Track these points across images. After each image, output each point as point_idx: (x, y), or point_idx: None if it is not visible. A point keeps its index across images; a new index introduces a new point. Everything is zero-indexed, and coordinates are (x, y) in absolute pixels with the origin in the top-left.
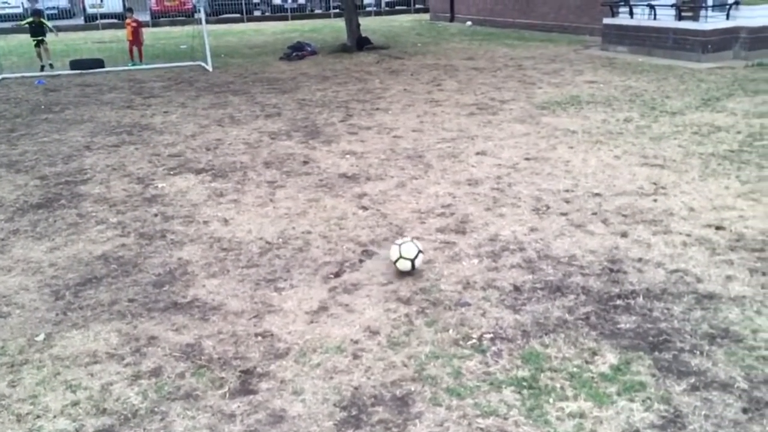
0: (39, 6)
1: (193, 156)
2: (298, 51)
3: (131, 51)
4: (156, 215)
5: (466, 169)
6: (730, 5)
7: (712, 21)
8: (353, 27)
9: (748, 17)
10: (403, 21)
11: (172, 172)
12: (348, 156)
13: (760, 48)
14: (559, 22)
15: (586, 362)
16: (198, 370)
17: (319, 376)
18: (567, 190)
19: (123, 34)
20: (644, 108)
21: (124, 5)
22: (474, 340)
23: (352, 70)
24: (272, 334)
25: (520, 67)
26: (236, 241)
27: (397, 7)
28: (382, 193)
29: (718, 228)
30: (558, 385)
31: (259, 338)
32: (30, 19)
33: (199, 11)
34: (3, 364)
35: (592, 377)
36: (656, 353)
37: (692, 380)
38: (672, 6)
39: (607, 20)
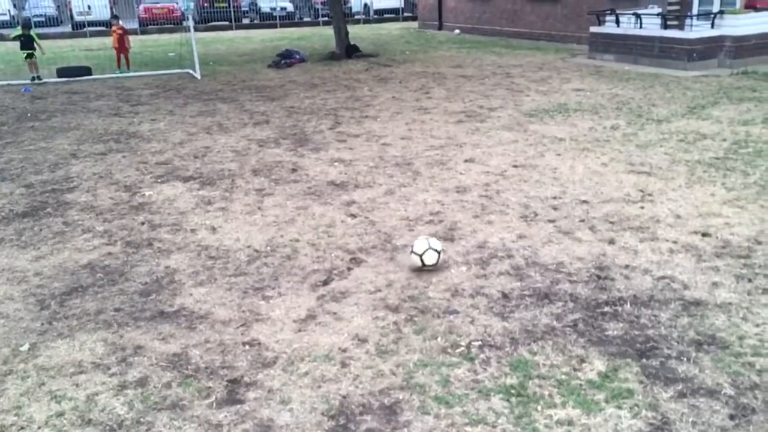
0: (27, 14)
1: (180, 164)
2: (286, 59)
3: (118, 58)
4: (143, 223)
5: (455, 177)
6: (715, 14)
7: (697, 30)
8: (342, 35)
9: (733, 26)
10: (392, 29)
11: (159, 180)
12: (336, 163)
13: (744, 56)
14: (547, 30)
15: (574, 369)
16: (185, 380)
17: (307, 384)
18: (555, 198)
19: (111, 41)
20: (631, 116)
21: (112, 13)
22: (462, 348)
23: (341, 77)
24: (260, 343)
25: (508, 75)
26: (224, 249)
27: (385, 15)
28: (370, 201)
29: (704, 235)
30: (546, 393)
31: (247, 347)
32: (19, 32)
33: (188, 19)
34: None
35: (580, 384)
36: (644, 360)
37: (679, 387)
38: (657, 15)
39: (593, 29)
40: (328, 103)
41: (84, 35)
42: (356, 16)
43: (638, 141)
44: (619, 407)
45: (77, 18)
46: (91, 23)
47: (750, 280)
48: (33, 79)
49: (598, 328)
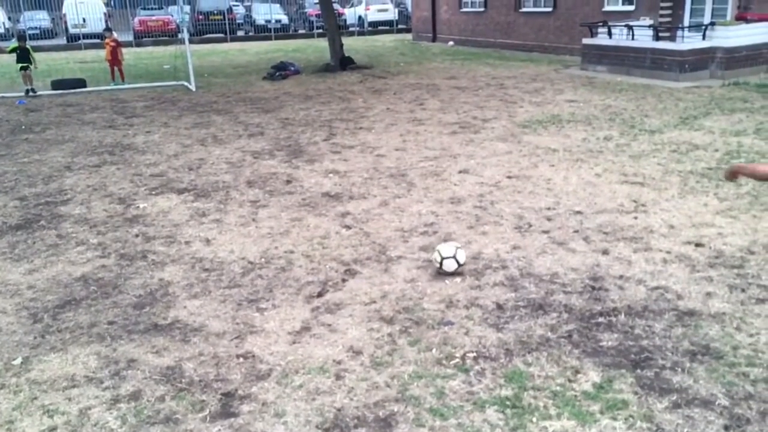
0: (22, 26)
1: (175, 176)
2: (281, 70)
3: (112, 71)
4: (137, 236)
5: (449, 188)
6: (706, 26)
7: (689, 41)
8: (336, 47)
9: (724, 38)
10: (386, 41)
11: (153, 192)
12: (331, 175)
13: (735, 68)
14: (540, 42)
15: (569, 380)
16: (178, 394)
17: (302, 397)
18: (549, 208)
19: (105, 53)
20: (624, 126)
21: (106, 25)
22: (457, 360)
23: (336, 89)
24: (254, 356)
25: (501, 86)
26: (218, 261)
27: (380, 28)
28: (365, 212)
29: (697, 245)
30: (541, 404)
31: (241, 360)
32: (15, 45)
33: (183, 31)
34: None
35: (575, 396)
36: (638, 371)
37: (674, 397)
38: (649, 27)
39: (586, 41)
40: (322, 115)
41: (79, 47)
42: (351, 29)
43: (631, 152)
44: (614, 418)
45: (72, 30)
46: (86, 35)
47: (743, 290)
48: (27, 92)
49: (593, 338)
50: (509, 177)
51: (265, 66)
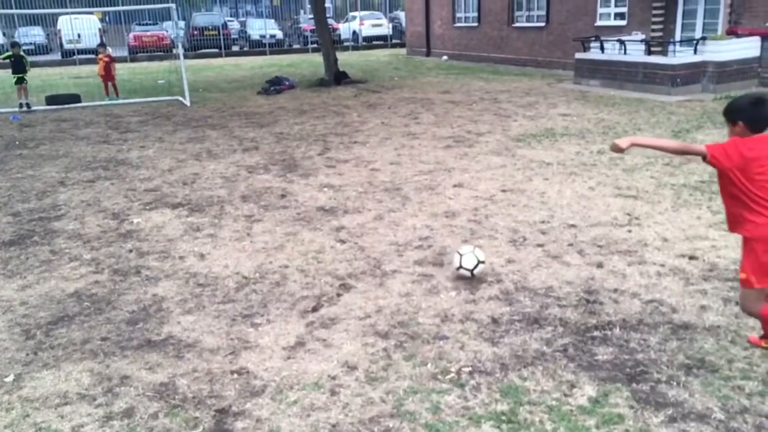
0: (16, 38)
1: (169, 190)
2: (276, 85)
3: (106, 86)
4: (131, 251)
5: (444, 202)
6: (697, 41)
7: (681, 56)
8: (331, 61)
9: (715, 52)
10: (381, 56)
11: (148, 207)
12: (326, 189)
13: (726, 81)
14: (533, 56)
15: (565, 395)
16: (171, 410)
17: (296, 413)
18: (543, 222)
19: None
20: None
21: (101, 41)
22: (452, 374)
23: (330, 104)
24: (248, 371)
25: (495, 100)
26: (212, 276)
27: (374, 42)
28: (359, 226)
29: (691, 258)
30: (537, 419)
31: (235, 375)
32: (9, 53)
33: (177, 46)
34: None
35: (571, 410)
36: (634, 384)
37: (670, 411)
38: (641, 41)
39: (579, 55)
40: (317, 129)
41: (74, 63)
42: (345, 43)
43: (624, 165)
44: None
45: (67, 46)
46: (81, 51)
47: (737, 303)
48: (21, 105)
49: (588, 352)
50: (503, 190)
51: (260, 81)
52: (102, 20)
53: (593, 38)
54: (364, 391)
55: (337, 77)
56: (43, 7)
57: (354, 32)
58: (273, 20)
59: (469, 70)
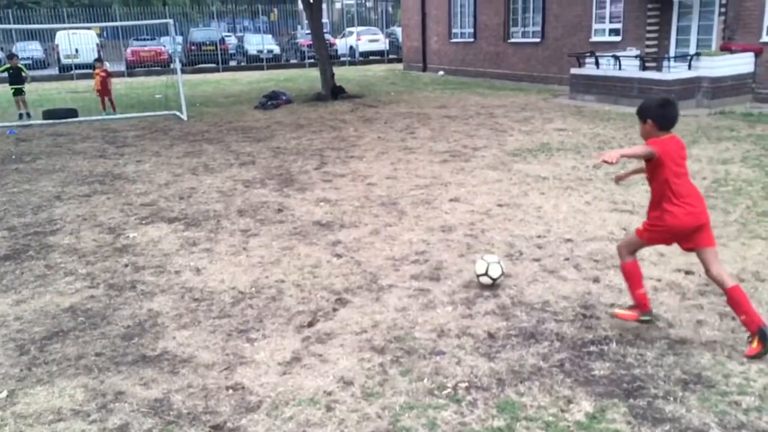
0: (14, 51)
1: (166, 205)
2: (273, 100)
3: (102, 101)
4: (126, 265)
5: (440, 216)
6: (691, 57)
7: (675, 71)
8: (328, 76)
9: (709, 68)
10: (377, 70)
11: (144, 222)
12: (322, 203)
13: (721, 97)
14: (529, 72)
15: (562, 410)
16: (166, 427)
17: (292, 429)
18: (539, 236)
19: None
20: None
21: (99, 55)
22: (449, 390)
23: (327, 118)
24: (243, 387)
25: (491, 115)
26: (208, 291)
27: (371, 57)
28: (356, 241)
29: (687, 273)
30: None
31: (230, 391)
32: (7, 65)
33: (175, 61)
34: None
35: (568, 426)
36: (631, 400)
37: (667, 427)
38: (636, 57)
39: (574, 71)
40: (314, 144)
41: (71, 77)
42: (342, 58)
43: None
44: None
45: (64, 61)
46: (78, 66)
47: (733, 318)
48: (21, 116)
49: (585, 367)
50: (500, 205)
51: (257, 95)
52: (100, 35)
53: (588, 54)
54: (360, 407)
55: (334, 92)
56: (41, 23)
57: (351, 47)
58: (270, 35)
59: (466, 85)
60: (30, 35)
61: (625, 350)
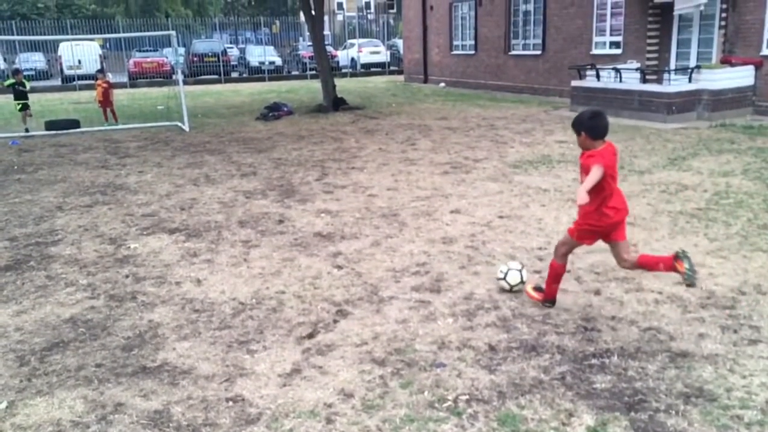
0: (18, 67)
1: (167, 215)
2: (274, 111)
3: (105, 112)
4: (127, 276)
5: (441, 228)
6: (692, 69)
7: (676, 84)
8: (329, 88)
9: (709, 80)
10: (378, 82)
11: (145, 232)
12: (323, 215)
13: (722, 109)
14: (529, 84)
15: (563, 424)
16: None
17: None
18: (540, 248)
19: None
20: None
21: (102, 66)
22: (450, 402)
23: (328, 129)
24: (243, 399)
25: (492, 127)
26: (209, 302)
27: (372, 69)
28: (357, 252)
29: (688, 285)
30: None
31: (230, 403)
32: (12, 81)
33: (177, 72)
34: None
35: None
36: (632, 413)
37: None
38: (636, 70)
39: (575, 83)
40: (315, 155)
41: (74, 88)
42: (343, 70)
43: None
44: None
45: (67, 72)
46: (81, 77)
47: (735, 331)
48: (27, 130)
49: (586, 380)
50: (501, 217)
51: (259, 107)
52: (103, 46)
53: (589, 66)
54: (360, 420)
55: (335, 103)
56: (45, 34)
57: (352, 59)
58: (272, 47)
59: (466, 97)
60: (33, 46)
61: (626, 363)
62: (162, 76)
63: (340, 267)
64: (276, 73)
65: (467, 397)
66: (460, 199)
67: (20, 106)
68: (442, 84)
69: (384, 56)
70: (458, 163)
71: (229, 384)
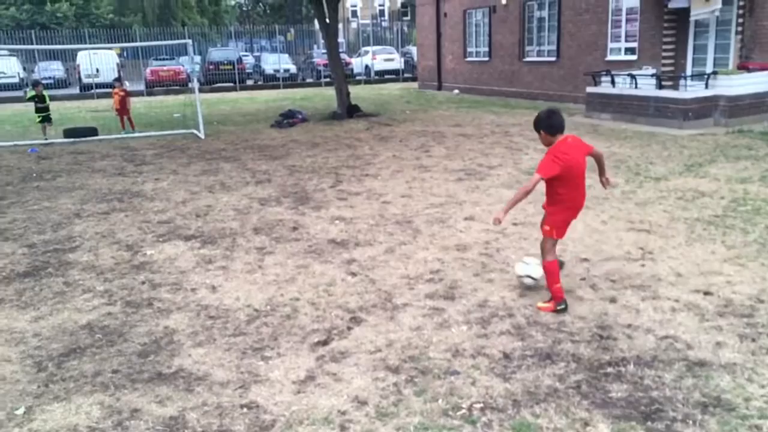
0: (36, 76)
1: (182, 222)
2: (289, 118)
3: (122, 120)
4: (143, 283)
5: (455, 235)
6: (709, 75)
7: (692, 90)
8: (343, 95)
9: (726, 86)
10: (392, 89)
11: (161, 239)
12: (337, 222)
13: (739, 116)
14: (544, 90)
15: None
16: None
17: None
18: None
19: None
20: (629, 173)
21: (119, 75)
22: (464, 411)
23: (342, 136)
24: (258, 405)
25: (506, 133)
26: (224, 308)
27: (386, 76)
28: (371, 259)
29: (706, 293)
30: None
31: (245, 410)
32: (33, 93)
33: (193, 80)
34: None
35: None
36: (649, 423)
37: None
38: (652, 76)
39: (590, 89)
40: (329, 162)
41: (91, 96)
42: (357, 77)
43: (637, 199)
44: None
45: (85, 80)
46: (99, 85)
47: (754, 340)
48: (46, 139)
49: (602, 389)
50: (515, 224)
51: (273, 114)
52: (120, 55)
53: (604, 72)
54: (374, 427)
55: (350, 110)
56: (63, 43)
57: (366, 66)
58: (287, 55)
59: (480, 104)
60: (52, 55)
61: (642, 372)
62: (178, 84)
63: (354, 274)
64: (291, 81)
65: (481, 405)
66: (474, 206)
67: (40, 118)
68: (456, 91)
69: (398, 63)
70: (472, 170)
71: (243, 390)
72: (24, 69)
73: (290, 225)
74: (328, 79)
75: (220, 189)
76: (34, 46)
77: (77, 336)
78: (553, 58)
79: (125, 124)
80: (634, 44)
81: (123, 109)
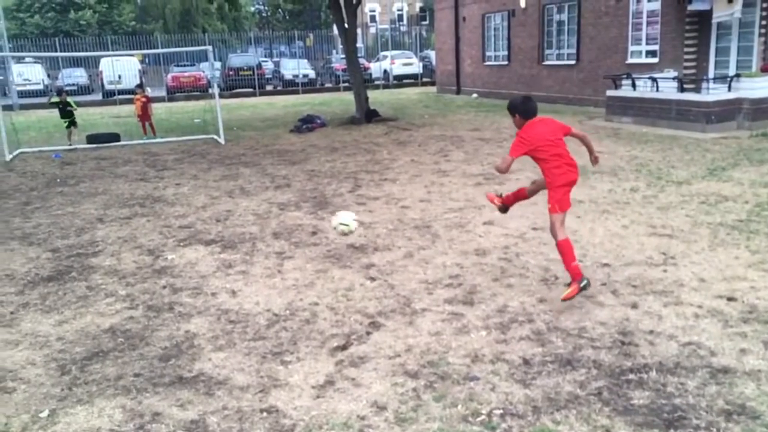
0: (60, 83)
1: (203, 227)
2: (308, 123)
3: (143, 126)
4: (165, 287)
5: (474, 239)
6: (731, 78)
7: (714, 93)
8: (362, 100)
9: (750, 89)
10: (411, 94)
11: (182, 244)
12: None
13: (763, 119)
14: (564, 94)
15: None
16: None
17: None
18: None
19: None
20: (650, 178)
21: (141, 81)
22: (483, 417)
23: (361, 141)
24: (278, 410)
25: None
26: (243, 313)
27: (404, 81)
28: (389, 264)
29: (729, 299)
30: None
31: (265, 414)
32: (57, 100)
33: (213, 86)
34: None
35: None
36: (671, 431)
37: None
38: (674, 79)
39: (610, 92)
40: (348, 167)
41: (114, 103)
42: (376, 82)
43: (659, 203)
44: None
45: (108, 87)
46: (121, 91)
47: None
48: (71, 145)
49: (623, 396)
50: (534, 229)
51: (293, 119)
52: (142, 62)
53: (625, 75)
54: None
55: (368, 115)
56: (86, 50)
57: (385, 71)
58: (306, 60)
59: (499, 108)
60: (75, 62)
61: (665, 379)
62: (199, 90)
63: (373, 279)
64: (310, 86)
65: (501, 411)
66: (494, 210)
67: (67, 123)
68: (475, 95)
69: (416, 68)
70: (491, 174)
71: (263, 395)
72: (48, 76)
73: (309, 230)
74: (346, 84)
75: (240, 194)
76: (58, 54)
77: (100, 340)
78: (573, 62)
79: (147, 129)
80: (655, 47)
81: (145, 115)
